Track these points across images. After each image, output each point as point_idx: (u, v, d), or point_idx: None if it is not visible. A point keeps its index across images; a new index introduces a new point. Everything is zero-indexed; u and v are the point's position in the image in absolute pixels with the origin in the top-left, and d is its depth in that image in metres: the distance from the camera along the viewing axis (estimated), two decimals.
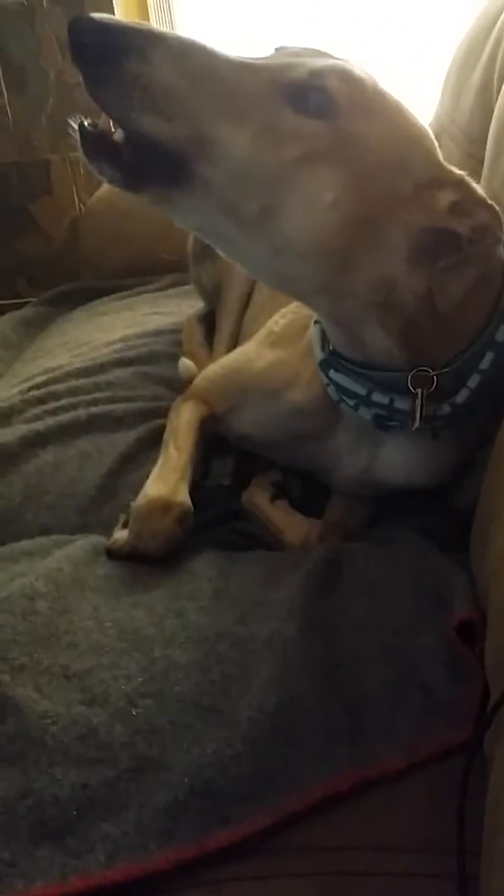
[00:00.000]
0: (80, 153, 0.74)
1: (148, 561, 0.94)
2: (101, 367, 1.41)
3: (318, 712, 0.72)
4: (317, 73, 0.73)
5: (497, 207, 0.78)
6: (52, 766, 0.68)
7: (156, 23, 2.19)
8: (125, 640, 0.82)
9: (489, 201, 0.78)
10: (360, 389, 0.89)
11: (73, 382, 1.37)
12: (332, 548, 0.94)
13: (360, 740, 0.69)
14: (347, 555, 0.92)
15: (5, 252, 2.35)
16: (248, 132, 0.71)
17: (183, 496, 0.97)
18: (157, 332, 1.53)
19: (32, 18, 2.12)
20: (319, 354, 0.93)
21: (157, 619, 0.85)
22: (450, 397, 0.86)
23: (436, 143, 0.81)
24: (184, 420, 1.10)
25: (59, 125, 2.23)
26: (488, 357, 0.85)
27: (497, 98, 1.07)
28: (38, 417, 1.28)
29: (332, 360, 0.91)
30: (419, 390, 0.84)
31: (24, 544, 1.00)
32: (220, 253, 0.82)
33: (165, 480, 0.99)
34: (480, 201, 0.78)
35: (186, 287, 1.63)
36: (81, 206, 2.27)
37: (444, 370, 0.85)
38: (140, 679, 0.77)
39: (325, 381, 0.93)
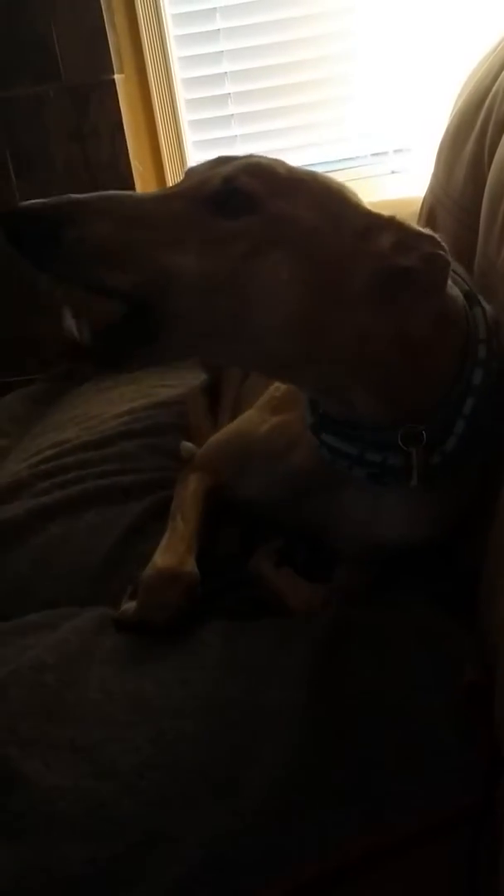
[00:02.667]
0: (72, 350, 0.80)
1: (156, 632, 0.94)
2: (108, 440, 1.42)
3: (327, 780, 0.72)
4: (229, 179, 0.79)
5: (436, 236, 0.82)
6: (61, 842, 0.68)
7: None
8: (133, 712, 0.82)
9: (428, 231, 0.82)
10: (352, 450, 0.90)
11: (82, 455, 1.39)
12: (340, 613, 0.94)
13: (370, 806, 0.68)
14: (355, 619, 0.92)
15: (14, 331, 2.39)
16: (193, 254, 0.76)
17: (190, 567, 0.98)
18: (163, 405, 1.55)
19: (40, 110, 2.20)
20: (309, 418, 0.95)
21: (165, 689, 0.85)
22: (439, 446, 0.88)
23: (357, 195, 0.86)
24: (190, 491, 1.11)
25: None
26: (469, 402, 0.87)
27: (489, 170, 1.10)
28: (46, 491, 1.30)
29: (322, 423, 0.93)
30: (412, 449, 0.86)
31: (33, 617, 1.00)
32: (213, 360, 0.86)
33: (173, 551, 1.00)
34: (420, 234, 0.82)
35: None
36: None
37: (431, 424, 0.87)
38: (148, 751, 0.77)
39: (318, 443, 0.94)
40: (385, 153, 2.24)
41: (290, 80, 2.18)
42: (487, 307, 0.92)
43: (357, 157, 2.24)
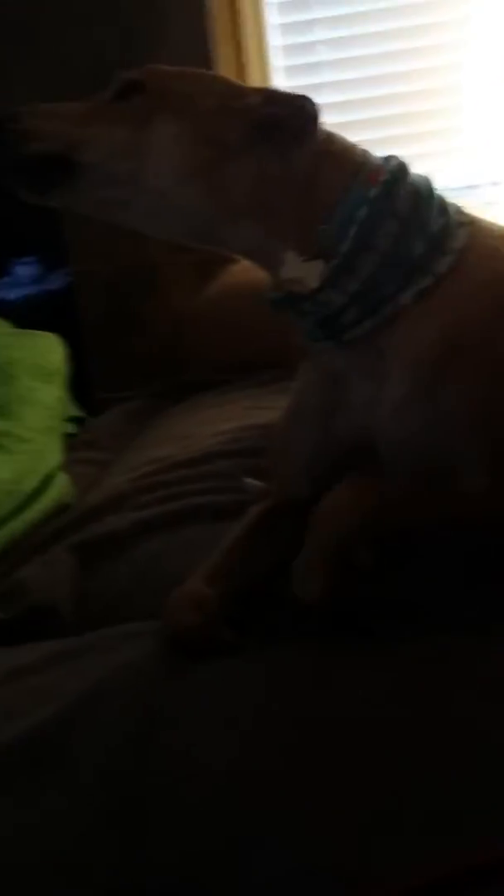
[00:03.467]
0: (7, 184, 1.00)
1: (188, 650, 0.96)
2: (206, 458, 1.47)
3: (420, 799, 0.73)
4: (125, 76, 1.01)
5: (308, 97, 0.97)
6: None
7: None
8: (225, 724, 0.85)
9: (298, 94, 0.98)
10: (282, 293, 0.99)
11: (179, 472, 1.44)
12: (437, 641, 0.93)
13: (465, 826, 0.70)
14: (453, 646, 0.92)
15: (115, 349, 2.47)
16: (96, 126, 0.99)
17: (197, 585, 1.00)
18: (259, 427, 1.58)
19: None
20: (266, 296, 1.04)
21: (255, 705, 0.88)
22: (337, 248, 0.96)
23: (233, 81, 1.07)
24: (242, 520, 1.13)
25: None
26: (363, 210, 0.95)
27: None
28: (146, 505, 1.35)
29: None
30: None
31: (135, 625, 1.05)
32: (130, 223, 1.03)
33: (189, 580, 1.03)
34: (290, 93, 0.99)
35: (288, 383, 1.69)
36: (186, 308, 2.38)
37: (320, 229, 0.96)
38: (240, 756, 0.80)
39: (273, 310, 1.03)
40: (480, 186, 2.25)
41: (390, 112, 2.22)
42: (420, 175, 1.02)
43: (451, 189, 2.25)
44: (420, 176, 1.01)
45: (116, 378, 2.47)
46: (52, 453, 1.67)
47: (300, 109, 0.97)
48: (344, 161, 0.99)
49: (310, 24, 2.24)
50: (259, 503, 1.15)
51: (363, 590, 1.00)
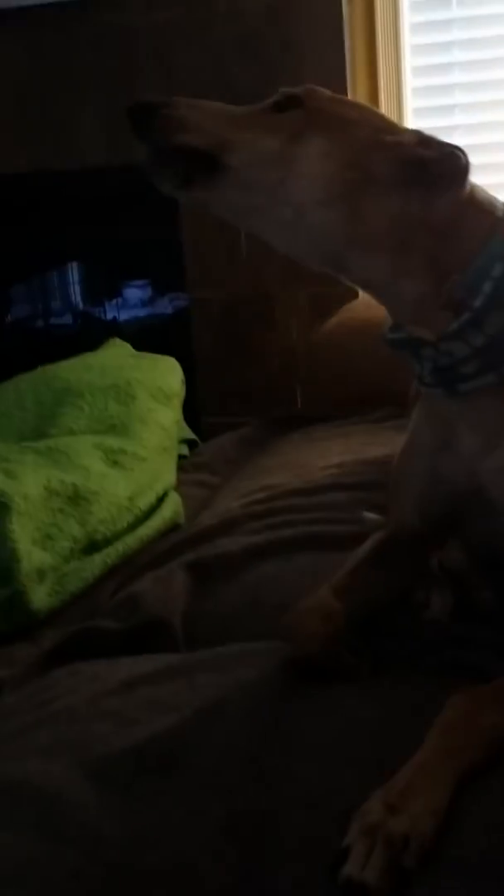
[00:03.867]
0: (148, 172, 1.02)
1: (320, 667, 0.96)
2: (318, 489, 1.49)
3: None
4: (283, 91, 1.03)
5: (460, 147, 0.97)
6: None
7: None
8: (341, 754, 0.86)
9: (451, 143, 0.98)
10: (403, 334, 1.00)
11: (292, 501, 1.46)
12: None
13: None
14: None
15: (225, 375, 2.51)
16: (251, 132, 1.00)
17: (327, 598, 1.02)
18: (372, 462, 1.59)
19: None
20: (384, 333, 1.04)
21: (370, 738, 0.88)
22: (471, 301, 0.95)
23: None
24: (362, 546, 1.14)
25: (288, 266, 2.40)
26: (498, 266, 0.95)
27: None
28: (257, 531, 1.37)
29: (389, 328, 1.04)
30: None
31: (247, 645, 1.07)
32: (263, 236, 1.04)
33: (315, 593, 1.04)
34: (442, 141, 0.99)
35: (401, 421, 1.70)
36: (301, 339, 2.41)
37: (453, 279, 0.95)
38: (351, 787, 0.80)
39: (390, 350, 1.04)
40: None
41: None
42: None
43: None
44: None
45: (225, 404, 2.52)
46: (167, 473, 1.71)
47: (452, 157, 0.97)
48: (484, 214, 0.99)
49: (446, 68, 2.26)
50: (375, 533, 1.16)
51: None
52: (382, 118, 1.05)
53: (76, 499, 1.42)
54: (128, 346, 2.13)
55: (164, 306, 3.05)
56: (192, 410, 2.22)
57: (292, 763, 0.83)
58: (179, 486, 1.74)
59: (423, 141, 1.00)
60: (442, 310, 0.96)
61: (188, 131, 1.00)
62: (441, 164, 0.97)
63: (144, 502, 1.55)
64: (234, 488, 1.67)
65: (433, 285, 0.97)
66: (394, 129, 1.03)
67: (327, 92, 1.05)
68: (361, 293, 2.32)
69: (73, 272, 3.11)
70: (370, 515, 1.33)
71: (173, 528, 1.58)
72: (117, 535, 1.46)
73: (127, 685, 1.00)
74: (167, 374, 1.94)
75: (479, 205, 1.00)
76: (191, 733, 0.88)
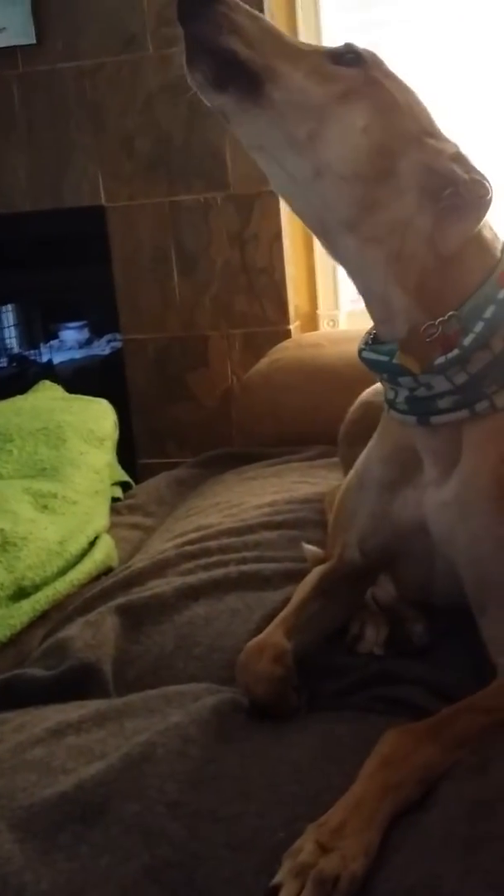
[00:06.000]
0: (183, 60, 0.94)
1: (268, 709, 0.97)
2: (250, 528, 1.49)
3: (459, 892, 0.72)
4: (350, 44, 0.98)
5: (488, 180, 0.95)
6: None
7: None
8: (271, 793, 0.85)
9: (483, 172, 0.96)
10: (384, 357, 0.98)
11: (225, 541, 1.45)
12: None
13: None
14: None
15: (160, 416, 2.52)
16: (302, 71, 0.94)
17: (278, 638, 1.02)
18: (305, 500, 1.60)
19: (207, 214, 2.36)
20: (360, 345, 1.02)
21: (300, 777, 0.88)
22: (461, 338, 0.94)
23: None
24: (305, 580, 1.16)
25: (220, 307, 2.45)
26: (490, 309, 0.95)
27: None
28: (191, 571, 1.36)
29: (367, 345, 1.02)
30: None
31: (177, 687, 1.05)
32: (270, 177, 0.99)
33: (266, 632, 1.05)
34: (477, 168, 0.96)
35: (334, 459, 1.72)
36: (234, 378, 2.43)
37: (450, 315, 0.94)
38: (283, 834, 0.79)
39: (365, 366, 1.02)
40: None
41: None
42: None
43: None
44: None
45: (160, 445, 2.52)
46: (99, 516, 1.69)
47: (480, 185, 0.94)
48: (487, 252, 0.98)
49: None
50: (319, 566, 1.17)
51: None
52: (430, 118, 1.00)
53: (4, 545, 1.40)
54: (59, 389, 2.12)
55: (102, 347, 3.05)
56: (127, 452, 2.22)
57: (221, 805, 0.82)
58: (112, 529, 1.73)
59: (458, 158, 0.96)
60: (430, 341, 0.95)
61: (244, 41, 0.92)
62: (468, 188, 0.94)
63: (75, 546, 1.53)
64: (168, 529, 1.66)
65: (423, 311, 0.96)
66: (437, 134, 0.99)
67: (389, 68, 0.99)
68: (294, 332, 2.38)
69: (8, 316, 3.10)
70: (310, 548, 1.34)
71: (106, 571, 1.56)
72: (47, 581, 1.43)
73: (54, 733, 0.98)
74: (99, 416, 1.93)
75: (483, 242, 0.98)
76: (118, 779, 0.86)
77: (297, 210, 1.01)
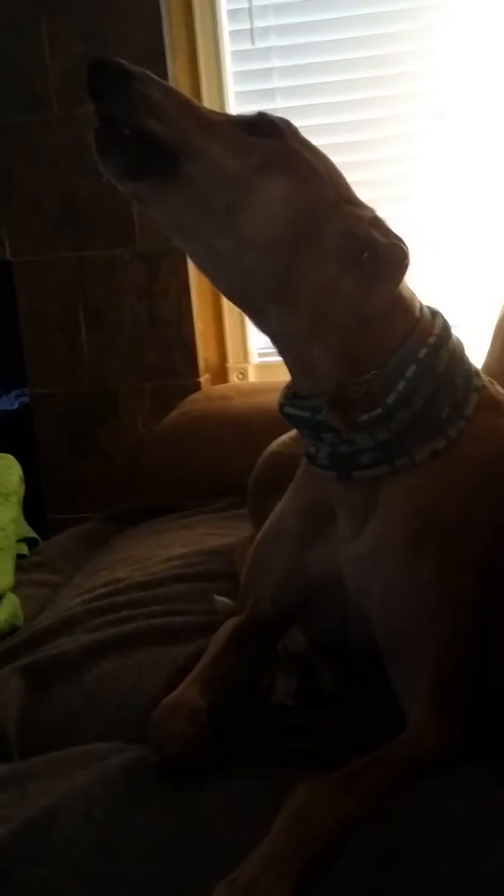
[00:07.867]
0: (94, 153, 0.93)
1: (180, 769, 0.94)
2: (160, 582, 1.47)
3: None
4: (263, 114, 0.99)
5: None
6: None
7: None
8: (179, 851, 0.83)
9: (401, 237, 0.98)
10: (307, 413, 0.99)
11: (133, 595, 1.43)
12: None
13: None
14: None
15: (69, 470, 2.48)
16: (219, 144, 0.93)
17: (192, 694, 1.00)
18: (215, 552, 1.60)
19: (115, 269, 2.37)
20: (280, 400, 1.03)
21: (210, 833, 0.86)
22: (383, 398, 0.96)
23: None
24: (219, 633, 1.14)
25: (130, 360, 2.44)
26: (412, 368, 0.96)
27: None
28: (98, 628, 1.34)
29: (288, 400, 1.03)
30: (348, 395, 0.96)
31: (84, 748, 1.02)
32: (192, 257, 0.99)
33: (180, 689, 1.03)
34: (392, 230, 0.99)
35: (243, 510, 1.72)
36: (144, 432, 2.42)
37: (373, 374, 0.96)
38: (198, 890, 0.77)
39: (287, 422, 1.03)
40: None
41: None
42: (455, 337, 1.03)
43: None
44: (456, 338, 1.04)
45: (70, 500, 2.48)
46: (4, 574, 1.65)
47: (398, 249, 0.96)
48: (408, 312, 1.00)
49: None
50: (231, 619, 1.16)
51: None
52: (346, 184, 1.02)
53: None
54: None
55: (10, 402, 3.00)
56: (35, 508, 2.17)
57: (127, 867, 0.80)
58: (18, 588, 1.68)
59: (376, 223, 0.98)
60: (354, 399, 0.95)
61: (158, 118, 0.91)
62: (388, 251, 0.96)
63: None
64: (76, 585, 1.63)
65: (347, 370, 0.97)
66: (354, 200, 1.01)
67: (302, 135, 1.00)
68: (204, 385, 2.39)
69: None
70: (222, 600, 1.33)
71: (11, 631, 1.51)
72: None
73: None
74: (4, 471, 1.89)
75: (403, 302, 1.00)
76: (20, 845, 0.83)
77: (220, 287, 1.02)
